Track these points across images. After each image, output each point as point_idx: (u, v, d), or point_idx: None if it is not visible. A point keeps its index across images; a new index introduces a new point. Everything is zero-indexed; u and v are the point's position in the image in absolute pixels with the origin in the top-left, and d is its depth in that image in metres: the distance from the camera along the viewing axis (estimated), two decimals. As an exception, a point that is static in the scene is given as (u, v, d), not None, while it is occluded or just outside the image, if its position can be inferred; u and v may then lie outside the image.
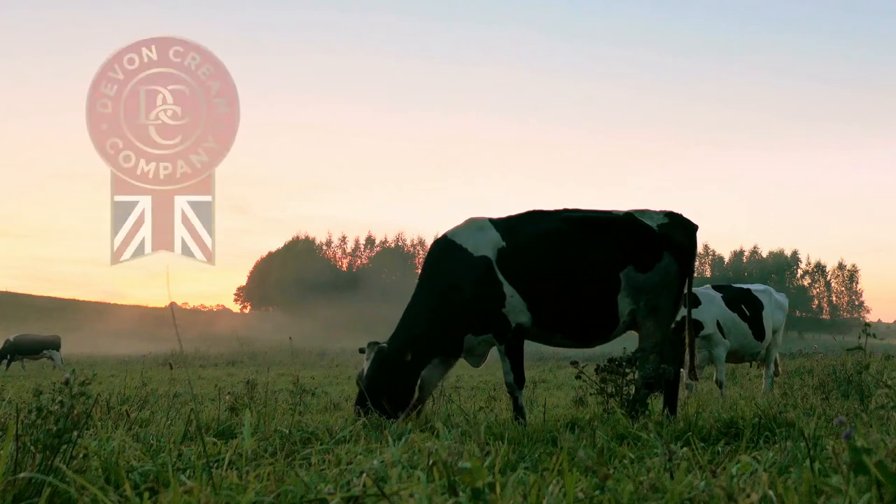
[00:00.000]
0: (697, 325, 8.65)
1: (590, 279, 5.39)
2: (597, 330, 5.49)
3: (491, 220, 5.58)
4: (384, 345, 5.42)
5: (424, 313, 5.45)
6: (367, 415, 5.06)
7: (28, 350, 23.90)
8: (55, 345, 24.38)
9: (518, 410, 5.36)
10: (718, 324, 8.81)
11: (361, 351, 5.61)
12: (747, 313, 9.08)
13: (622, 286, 5.42)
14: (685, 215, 5.83)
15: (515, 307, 5.34)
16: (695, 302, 8.79)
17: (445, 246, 5.55)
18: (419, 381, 5.67)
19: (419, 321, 5.45)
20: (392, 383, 5.31)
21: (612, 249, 5.44)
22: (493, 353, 5.68)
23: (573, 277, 5.37)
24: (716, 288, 9.31)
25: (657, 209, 5.79)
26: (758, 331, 9.14)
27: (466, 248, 5.43)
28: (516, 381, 5.40)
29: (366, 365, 5.41)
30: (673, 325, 8.80)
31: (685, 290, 5.69)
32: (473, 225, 5.57)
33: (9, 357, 23.43)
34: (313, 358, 28.68)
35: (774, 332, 9.53)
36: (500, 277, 5.33)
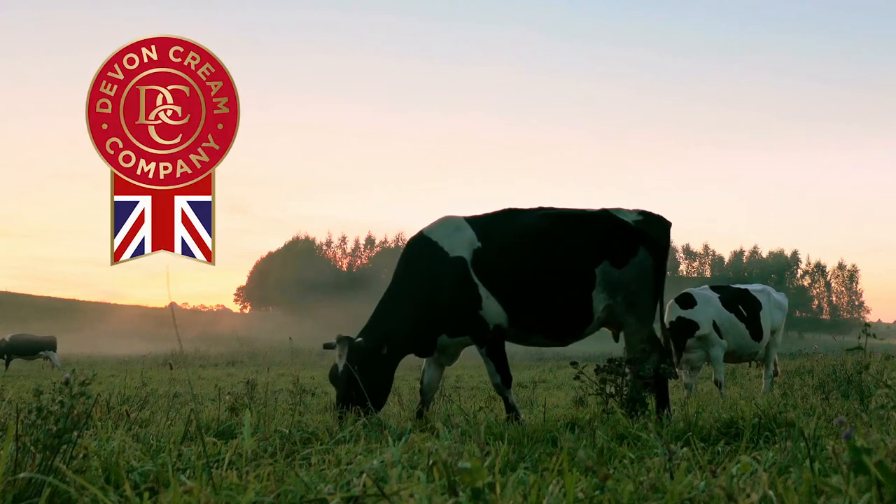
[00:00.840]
0: (693, 326, 8.67)
1: (567, 276, 5.38)
2: (573, 327, 5.47)
3: (467, 220, 5.55)
4: (358, 340, 5.21)
5: (398, 312, 5.36)
6: (356, 411, 4.92)
7: (24, 350, 23.91)
8: (51, 345, 24.38)
9: (511, 409, 5.32)
10: (715, 324, 8.81)
11: (327, 347, 5.41)
12: (745, 313, 9.09)
13: (597, 281, 5.41)
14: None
15: (492, 309, 5.30)
16: (691, 302, 8.82)
17: (422, 244, 5.51)
18: (420, 385, 5.67)
19: (393, 319, 5.35)
20: (373, 379, 5.14)
21: (587, 245, 5.45)
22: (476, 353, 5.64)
23: (550, 275, 5.35)
24: (713, 288, 9.33)
25: (631, 208, 5.83)
26: (755, 331, 9.14)
27: (443, 247, 5.38)
28: (503, 381, 5.36)
29: (339, 362, 5.22)
30: (666, 325, 8.78)
31: (663, 287, 5.69)
32: (450, 224, 5.52)
33: (6, 357, 23.45)
34: (313, 358, 28.65)
35: (773, 332, 9.53)
36: (476, 279, 5.29)
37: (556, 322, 5.43)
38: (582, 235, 5.46)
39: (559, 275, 5.37)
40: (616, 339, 5.79)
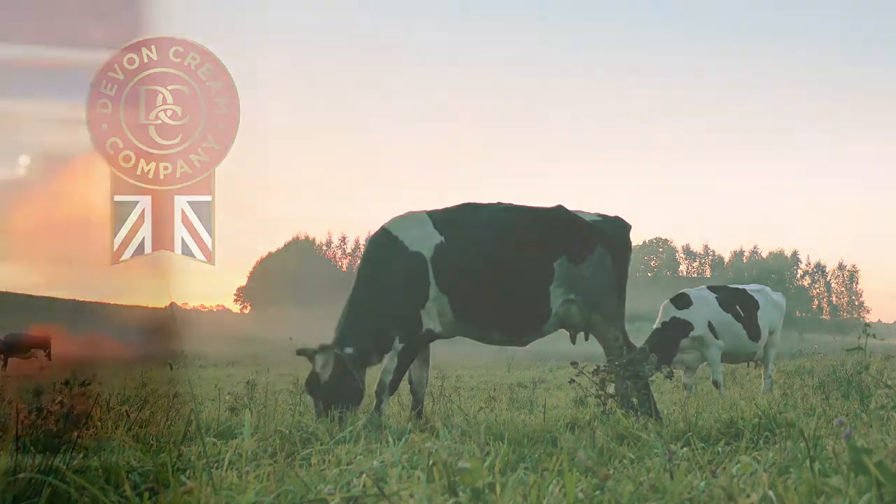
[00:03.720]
0: (687, 326, 8.65)
1: (526, 269, 5.38)
2: (531, 322, 5.46)
3: (429, 214, 5.54)
4: (339, 351, 5.17)
5: (360, 309, 5.34)
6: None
7: (19, 349, 23.98)
8: (45, 344, 24.48)
9: (378, 412, 5.16)
10: (710, 325, 8.79)
11: (301, 354, 5.32)
12: (742, 314, 9.06)
13: (555, 276, 5.42)
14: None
15: (433, 311, 5.28)
16: (686, 303, 8.81)
17: (382, 239, 5.49)
18: (410, 385, 5.65)
19: (357, 317, 5.32)
20: (349, 385, 5.11)
21: (546, 239, 5.47)
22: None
23: (510, 267, 5.35)
24: (711, 288, 9.31)
25: (592, 211, 5.86)
26: (753, 331, 9.11)
27: (404, 242, 5.37)
28: (392, 384, 5.25)
29: (323, 371, 5.14)
30: (659, 326, 8.75)
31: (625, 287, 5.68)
32: (412, 218, 5.52)
33: (2, 357, 23.49)
34: (313, 358, 28.52)
35: (771, 332, 9.50)
36: (431, 278, 5.28)
37: (514, 316, 5.42)
38: (541, 229, 5.49)
39: (519, 267, 5.38)
40: (573, 340, 5.79)
